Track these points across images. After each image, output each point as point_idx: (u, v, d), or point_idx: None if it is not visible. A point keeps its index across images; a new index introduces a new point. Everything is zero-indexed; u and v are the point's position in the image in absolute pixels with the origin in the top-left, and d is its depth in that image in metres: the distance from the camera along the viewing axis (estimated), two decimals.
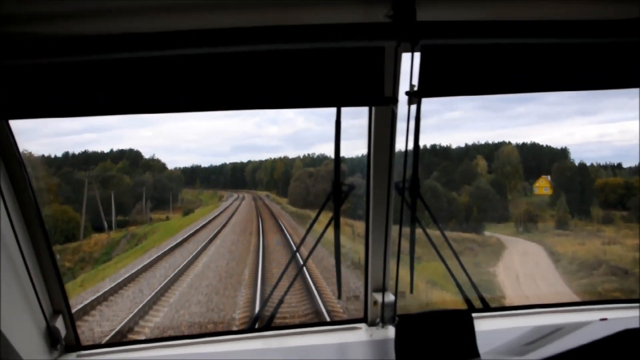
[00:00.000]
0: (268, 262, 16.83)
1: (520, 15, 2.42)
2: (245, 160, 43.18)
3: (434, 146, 29.98)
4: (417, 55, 2.49)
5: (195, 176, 42.10)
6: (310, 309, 11.89)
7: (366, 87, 2.57)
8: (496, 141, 29.83)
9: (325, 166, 32.55)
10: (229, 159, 43.32)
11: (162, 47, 2.28)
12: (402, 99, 2.65)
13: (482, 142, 30.39)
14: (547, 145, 30.01)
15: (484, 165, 28.64)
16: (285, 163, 38.16)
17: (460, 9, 2.39)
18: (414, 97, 2.59)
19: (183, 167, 41.49)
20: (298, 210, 29.66)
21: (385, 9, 2.26)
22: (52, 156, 30.44)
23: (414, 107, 2.68)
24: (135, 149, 36.12)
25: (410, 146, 2.67)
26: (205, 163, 43.55)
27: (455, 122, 33.08)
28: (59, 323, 2.88)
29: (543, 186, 28.20)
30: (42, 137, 33.39)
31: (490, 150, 28.96)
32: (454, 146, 30.97)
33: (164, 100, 2.47)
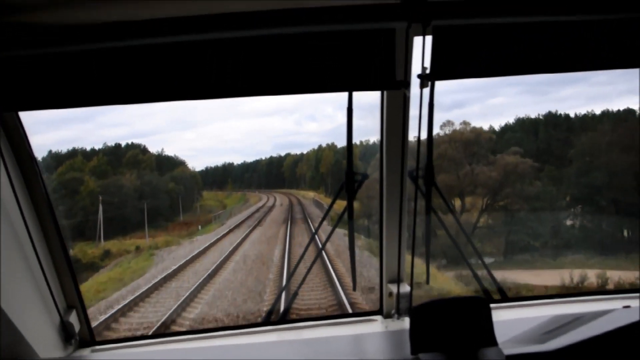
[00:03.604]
0: None
1: None
2: (283, 154, 37.85)
3: (550, 114, 24.80)
4: (429, 37, 2.43)
5: (227, 176, 37.79)
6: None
7: (377, 71, 2.50)
8: (617, 109, 24.12)
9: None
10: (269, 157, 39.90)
11: (167, 33, 2.25)
12: (416, 82, 2.58)
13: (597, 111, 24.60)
14: None
15: None
16: (335, 151, 29.66)
17: None
18: (426, 80, 2.53)
19: (214, 166, 37.58)
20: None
21: None
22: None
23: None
24: (137, 143, 28.10)
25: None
26: (242, 161, 41.70)
27: (499, 108, 32.10)
28: (73, 318, 2.90)
29: None
30: (89, 144, 30.62)
31: (618, 119, 22.96)
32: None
33: (169, 88, 2.43)
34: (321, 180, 31.30)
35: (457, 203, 23.66)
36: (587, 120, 24.21)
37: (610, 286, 14.25)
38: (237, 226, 23.32)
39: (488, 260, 20.05)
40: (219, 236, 21.16)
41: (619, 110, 24.04)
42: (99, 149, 26.18)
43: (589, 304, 3.24)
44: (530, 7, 2.34)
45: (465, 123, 24.19)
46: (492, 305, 2.54)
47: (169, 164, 28.79)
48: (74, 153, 25.01)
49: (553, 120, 24.84)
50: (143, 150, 27.74)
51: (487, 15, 2.37)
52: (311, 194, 30.61)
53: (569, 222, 22.04)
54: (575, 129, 23.89)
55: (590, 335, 2.48)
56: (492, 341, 2.43)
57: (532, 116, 25.63)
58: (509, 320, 2.98)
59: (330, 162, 30.09)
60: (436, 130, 24.22)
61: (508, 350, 2.39)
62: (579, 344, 2.44)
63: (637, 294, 3.28)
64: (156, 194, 24.14)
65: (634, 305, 2.87)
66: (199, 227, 24.19)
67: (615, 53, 2.57)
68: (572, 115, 25.23)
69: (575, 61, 2.59)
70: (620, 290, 3.38)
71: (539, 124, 24.88)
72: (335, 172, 28.45)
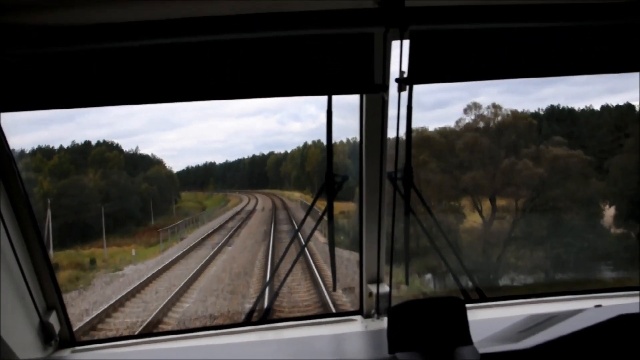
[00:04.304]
0: None
1: None
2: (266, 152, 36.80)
3: (551, 108, 22.98)
4: (407, 42, 2.48)
5: (208, 176, 37.01)
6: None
7: (356, 74, 2.55)
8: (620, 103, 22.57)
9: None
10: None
11: (150, 36, 2.27)
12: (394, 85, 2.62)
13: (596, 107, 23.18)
14: None
15: None
16: (322, 149, 26.34)
17: None
18: (404, 84, 2.58)
19: (195, 166, 36.62)
20: None
21: None
22: None
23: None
24: (109, 141, 24.81)
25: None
26: (224, 160, 41.18)
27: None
28: (53, 319, 2.88)
29: None
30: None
31: (622, 114, 21.68)
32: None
33: (155, 90, 2.47)
34: (307, 180, 29.94)
35: (487, 205, 20.33)
36: (587, 115, 23.28)
37: None
38: (197, 245, 17.84)
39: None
40: (160, 267, 15.29)
41: (618, 105, 23.00)
42: (67, 147, 23.64)
43: (563, 304, 3.30)
44: (506, 13, 2.40)
45: (495, 106, 20.94)
46: (469, 305, 2.60)
47: (143, 164, 26.01)
48: (35, 152, 22.65)
49: (556, 115, 23.41)
50: (110, 147, 24.72)
51: (464, 21, 2.43)
52: (297, 195, 28.93)
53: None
54: (579, 123, 22.52)
55: (563, 333, 2.54)
56: (467, 340, 2.47)
57: (532, 110, 23.64)
58: (486, 320, 3.03)
59: (317, 159, 28.55)
60: (459, 115, 21.68)
61: (483, 349, 2.44)
62: (552, 342, 2.50)
63: (608, 294, 3.38)
64: (125, 196, 21.32)
65: (605, 305, 2.95)
66: (133, 252, 19.04)
67: (588, 59, 2.65)
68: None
69: (554, 65, 2.67)
70: (592, 290, 3.47)
71: (541, 118, 23.10)
72: (322, 170, 26.71)
